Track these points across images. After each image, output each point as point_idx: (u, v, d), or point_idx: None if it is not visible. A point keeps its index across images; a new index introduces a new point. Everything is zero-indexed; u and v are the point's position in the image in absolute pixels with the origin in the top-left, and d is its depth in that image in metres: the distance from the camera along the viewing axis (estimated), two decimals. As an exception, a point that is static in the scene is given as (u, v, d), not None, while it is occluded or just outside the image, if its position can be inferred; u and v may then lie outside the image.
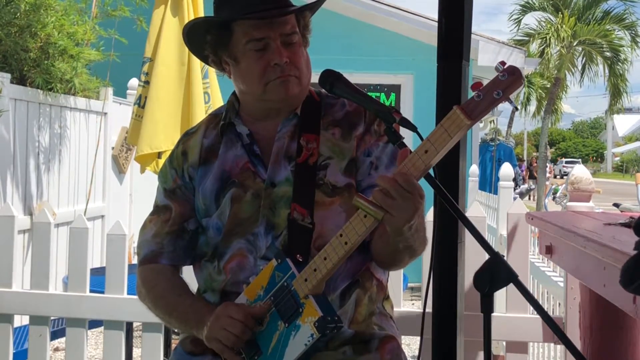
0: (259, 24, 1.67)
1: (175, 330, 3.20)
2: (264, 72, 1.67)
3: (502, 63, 1.35)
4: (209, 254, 1.76)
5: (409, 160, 1.42)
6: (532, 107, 23.56)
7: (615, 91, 19.24)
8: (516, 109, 1.38)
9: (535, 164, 24.84)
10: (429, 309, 1.68)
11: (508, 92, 1.32)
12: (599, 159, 64.32)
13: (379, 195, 1.42)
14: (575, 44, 18.40)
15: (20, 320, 3.54)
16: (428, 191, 1.42)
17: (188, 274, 1.87)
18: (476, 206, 2.92)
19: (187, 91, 4.07)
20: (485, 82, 1.36)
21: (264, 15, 1.65)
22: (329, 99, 1.78)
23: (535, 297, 3.21)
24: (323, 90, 1.73)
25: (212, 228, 1.74)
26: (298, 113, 1.75)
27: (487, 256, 1.40)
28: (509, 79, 1.32)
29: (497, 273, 1.35)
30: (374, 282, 1.74)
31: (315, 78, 1.59)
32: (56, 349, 4.73)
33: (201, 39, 1.76)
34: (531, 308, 2.81)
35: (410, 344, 5.02)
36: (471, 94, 1.39)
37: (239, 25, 1.69)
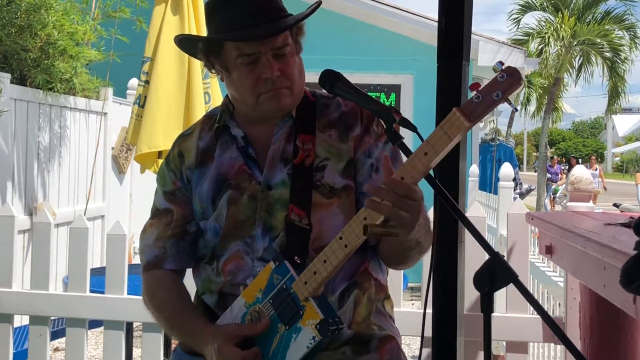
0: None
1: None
2: (255, 85, 1.66)
3: (501, 63, 1.33)
4: (207, 256, 1.75)
5: (409, 163, 1.40)
6: (532, 107, 23.51)
7: (614, 91, 19.24)
8: (515, 110, 1.37)
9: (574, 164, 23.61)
10: (429, 309, 1.68)
11: (507, 94, 1.31)
12: (599, 159, 64.27)
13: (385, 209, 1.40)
14: (575, 43, 18.40)
15: (20, 320, 3.54)
16: (428, 191, 1.42)
17: (187, 276, 1.86)
18: (476, 206, 2.92)
19: (187, 91, 4.07)
20: (485, 82, 1.35)
21: (252, 36, 1.63)
22: (323, 99, 1.77)
23: (535, 297, 3.21)
24: (317, 90, 1.72)
25: (209, 231, 1.74)
26: (293, 115, 1.74)
27: (487, 256, 1.40)
28: (508, 80, 1.30)
29: (497, 273, 1.35)
30: (372, 282, 1.74)
31: (315, 78, 1.58)
32: (56, 349, 4.73)
33: (193, 46, 1.78)
34: (531, 308, 2.81)
35: (410, 344, 5.02)
36: (471, 94, 1.39)
37: None
